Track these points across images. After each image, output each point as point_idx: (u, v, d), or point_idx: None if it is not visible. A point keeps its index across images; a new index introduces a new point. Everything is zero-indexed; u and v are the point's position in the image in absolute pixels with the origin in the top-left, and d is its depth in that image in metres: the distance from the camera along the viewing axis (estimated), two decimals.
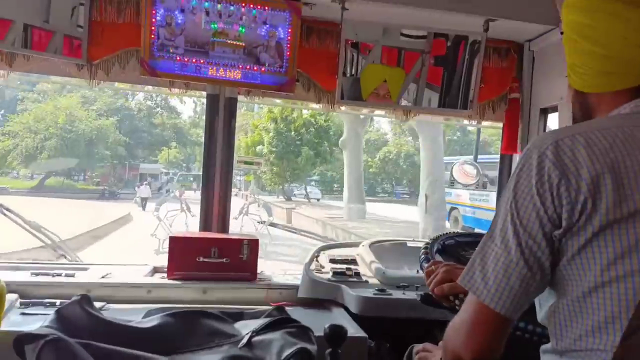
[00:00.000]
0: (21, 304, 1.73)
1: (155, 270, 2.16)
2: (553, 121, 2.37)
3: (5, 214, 2.36)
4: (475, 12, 2.15)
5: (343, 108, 2.51)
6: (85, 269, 2.11)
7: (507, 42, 2.41)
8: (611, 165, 0.84)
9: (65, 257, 2.29)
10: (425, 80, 2.32)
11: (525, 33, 2.34)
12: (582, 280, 0.86)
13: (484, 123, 2.72)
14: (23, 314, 1.65)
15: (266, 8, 2.12)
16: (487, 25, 2.21)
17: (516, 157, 2.45)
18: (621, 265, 0.83)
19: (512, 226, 0.88)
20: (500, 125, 2.48)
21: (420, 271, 1.53)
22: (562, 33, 2.00)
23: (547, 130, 2.37)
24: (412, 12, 2.12)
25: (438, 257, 1.54)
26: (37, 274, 1.95)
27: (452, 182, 11.83)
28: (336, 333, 1.32)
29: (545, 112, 2.35)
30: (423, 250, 1.55)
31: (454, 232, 1.72)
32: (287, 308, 1.76)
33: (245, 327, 1.52)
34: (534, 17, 2.15)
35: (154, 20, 2.04)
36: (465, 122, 2.67)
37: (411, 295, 1.84)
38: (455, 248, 1.60)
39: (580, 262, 0.86)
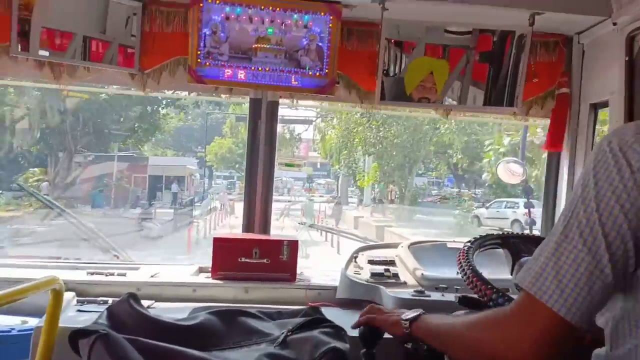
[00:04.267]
0: (77, 301, 1.85)
1: (201, 270, 2.24)
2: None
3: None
4: (520, 6, 2.08)
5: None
6: (136, 269, 2.23)
7: (555, 35, 2.32)
8: None
9: (118, 257, 2.43)
10: (470, 77, 2.28)
11: (575, 25, 2.24)
12: None
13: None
14: (79, 311, 1.76)
15: (306, 12, 2.15)
16: (533, 19, 2.13)
17: (565, 155, 2.35)
18: None
19: (601, 227, 0.79)
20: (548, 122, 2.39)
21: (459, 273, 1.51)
22: (614, 24, 1.90)
23: (596, 126, 2.26)
24: (455, 9, 2.08)
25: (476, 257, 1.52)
26: (92, 274, 2.07)
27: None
28: (371, 334, 1.32)
29: (595, 107, 2.23)
30: (462, 251, 1.54)
31: (502, 233, 1.69)
32: (325, 308, 1.79)
33: (282, 326, 1.56)
34: (583, 9, 2.05)
35: (200, 29, 2.12)
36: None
37: (450, 297, 1.81)
38: (518, 245, 1.57)
39: None
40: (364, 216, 17.71)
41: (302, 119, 18.98)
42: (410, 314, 1.14)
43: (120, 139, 19.52)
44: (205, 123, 28.08)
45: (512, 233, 1.69)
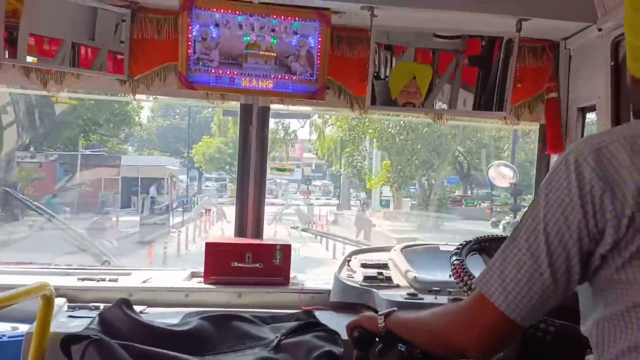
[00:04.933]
0: (69, 307, 1.84)
1: (193, 275, 2.24)
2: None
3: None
4: (507, 13, 2.12)
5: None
6: (128, 274, 2.22)
7: (542, 40, 2.36)
8: None
9: (109, 263, 2.42)
10: (460, 80, 2.30)
11: (561, 31, 2.28)
12: (629, 293, 0.82)
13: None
14: (70, 316, 1.75)
15: (297, 19, 2.16)
16: (520, 24, 2.17)
17: (553, 158, 2.38)
18: None
19: (544, 235, 0.84)
20: (536, 126, 2.42)
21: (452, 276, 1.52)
22: (600, 29, 1.94)
23: (585, 130, 2.29)
24: (443, 15, 2.12)
25: (466, 257, 1.53)
26: (83, 279, 2.06)
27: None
28: (362, 337, 1.32)
29: (583, 111, 2.27)
30: (455, 249, 1.55)
31: (496, 235, 1.72)
32: (318, 312, 1.80)
33: (275, 330, 1.56)
34: (569, 15, 2.09)
35: (190, 35, 2.12)
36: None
37: (443, 300, 1.82)
38: (496, 249, 1.58)
39: (625, 276, 0.82)
40: (375, 224, 14.84)
41: (298, 113, 15.79)
42: (385, 310, 1.20)
43: (78, 134, 16.44)
44: (189, 120, 25.90)
45: (485, 236, 1.71)
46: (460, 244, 1.61)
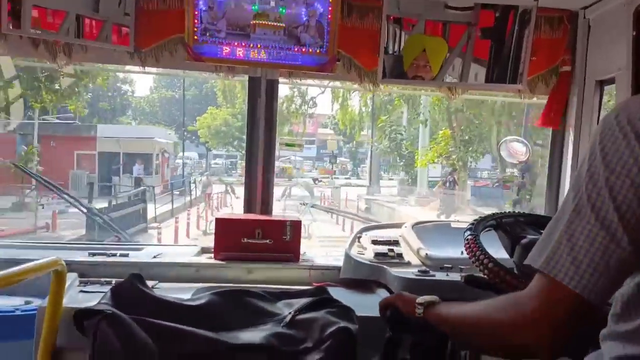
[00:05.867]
0: (80, 282, 1.84)
1: (203, 250, 2.23)
2: None
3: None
4: None
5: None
6: (139, 249, 2.22)
7: (560, 10, 2.28)
8: None
9: (119, 239, 2.41)
10: (471, 54, 2.24)
11: (581, 0, 2.20)
12: None
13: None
14: (82, 291, 1.75)
15: None
16: None
17: (569, 133, 2.33)
18: None
19: (612, 201, 0.78)
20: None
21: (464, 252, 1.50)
22: None
23: (603, 102, 2.24)
24: None
25: (481, 233, 1.50)
26: (94, 254, 2.06)
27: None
28: (395, 317, 1.24)
29: (601, 84, 2.21)
30: (469, 224, 1.52)
31: (513, 211, 1.67)
32: (329, 288, 1.79)
33: (288, 306, 1.56)
34: None
35: (196, 5, 2.07)
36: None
37: (455, 276, 1.81)
38: (513, 226, 1.54)
39: None
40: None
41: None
42: (426, 297, 1.14)
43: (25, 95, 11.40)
44: (183, 90, 22.79)
45: (502, 213, 1.66)
46: (475, 219, 1.58)
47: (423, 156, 13.96)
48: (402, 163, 16.64)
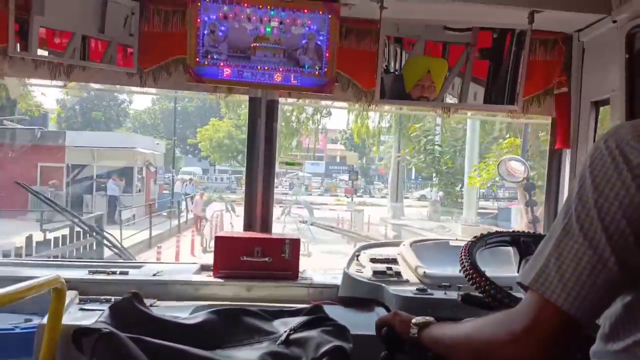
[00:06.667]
0: (80, 300, 1.85)
1: (203, 268, 2.24)
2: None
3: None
4: (518, 4, 2.08)
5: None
6: (139, 267, 2.23)
7: (555, 33, 2.32)
8: None
9: (120, 256, 2.43)
10: (470, 74, 2.27)
11: (575, 23, 2.24)
12: None
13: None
14: (82, 309, 1.76)
15: (305, 11, 2.15)
16: (532, 16, 2.13)
17: (566, 152, 2.35)
18: None
19: (600, 222, 0.80)
20: (547, 120, 2.39)
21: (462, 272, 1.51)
22: (614, 21, 1.91)
23: (598, 123, 2.26)
24: (454, 7, 2.09)
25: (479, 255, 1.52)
26: (94, 272, 2.07)
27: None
28: (392, 337, 1.24)
29: (596, 105, 2.24)
30: (464, 247, 1.54)
31: (507, 230, 1.69)
32: (327, 307, 1.79)
33: (284, 325, 1.56)
34: (582, 7, 2.06)
35: (198, 28, 2.11)
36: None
37: (452, 295, 1.82)
38: (529, 244, 1.58)
39: None
40: None
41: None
42: (421, 318, 1.15)
43: None
44: (175, 105, 21.25)
45: (523, 232, 1.68)
46: (472, 239, 1.60)
47: (476, 171, 10.65)
48: (442, 181, 14.42)
